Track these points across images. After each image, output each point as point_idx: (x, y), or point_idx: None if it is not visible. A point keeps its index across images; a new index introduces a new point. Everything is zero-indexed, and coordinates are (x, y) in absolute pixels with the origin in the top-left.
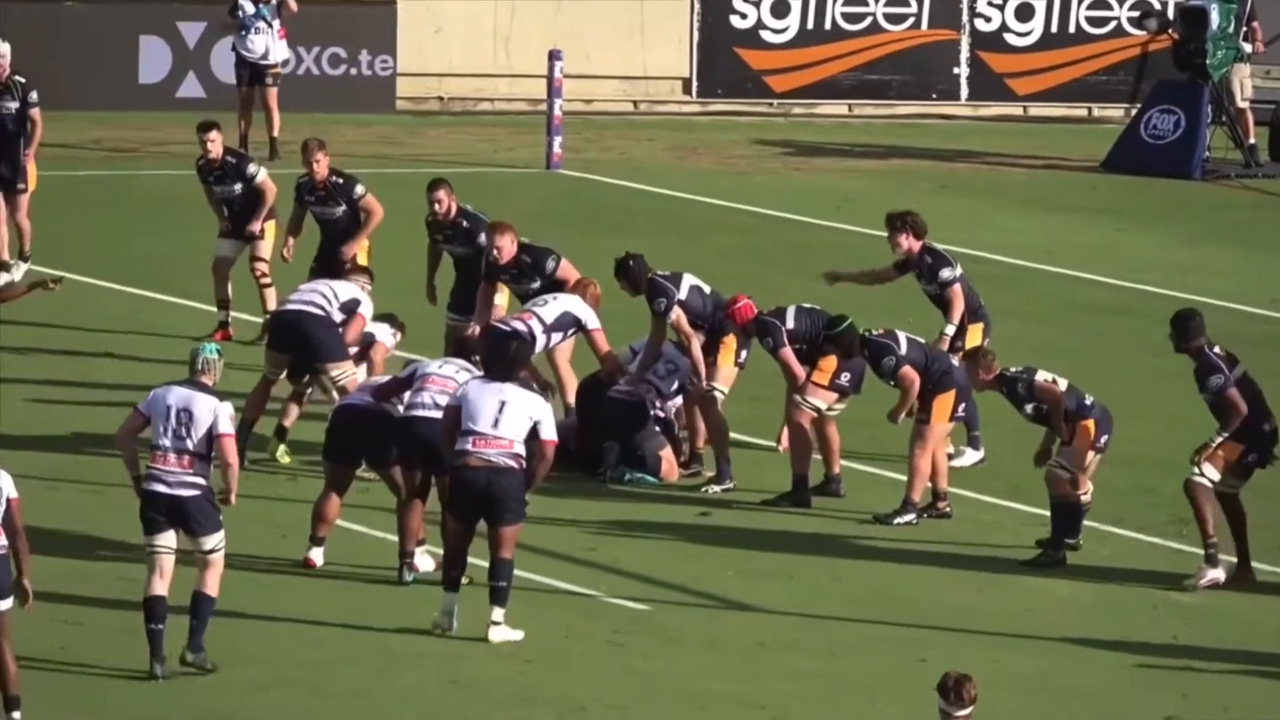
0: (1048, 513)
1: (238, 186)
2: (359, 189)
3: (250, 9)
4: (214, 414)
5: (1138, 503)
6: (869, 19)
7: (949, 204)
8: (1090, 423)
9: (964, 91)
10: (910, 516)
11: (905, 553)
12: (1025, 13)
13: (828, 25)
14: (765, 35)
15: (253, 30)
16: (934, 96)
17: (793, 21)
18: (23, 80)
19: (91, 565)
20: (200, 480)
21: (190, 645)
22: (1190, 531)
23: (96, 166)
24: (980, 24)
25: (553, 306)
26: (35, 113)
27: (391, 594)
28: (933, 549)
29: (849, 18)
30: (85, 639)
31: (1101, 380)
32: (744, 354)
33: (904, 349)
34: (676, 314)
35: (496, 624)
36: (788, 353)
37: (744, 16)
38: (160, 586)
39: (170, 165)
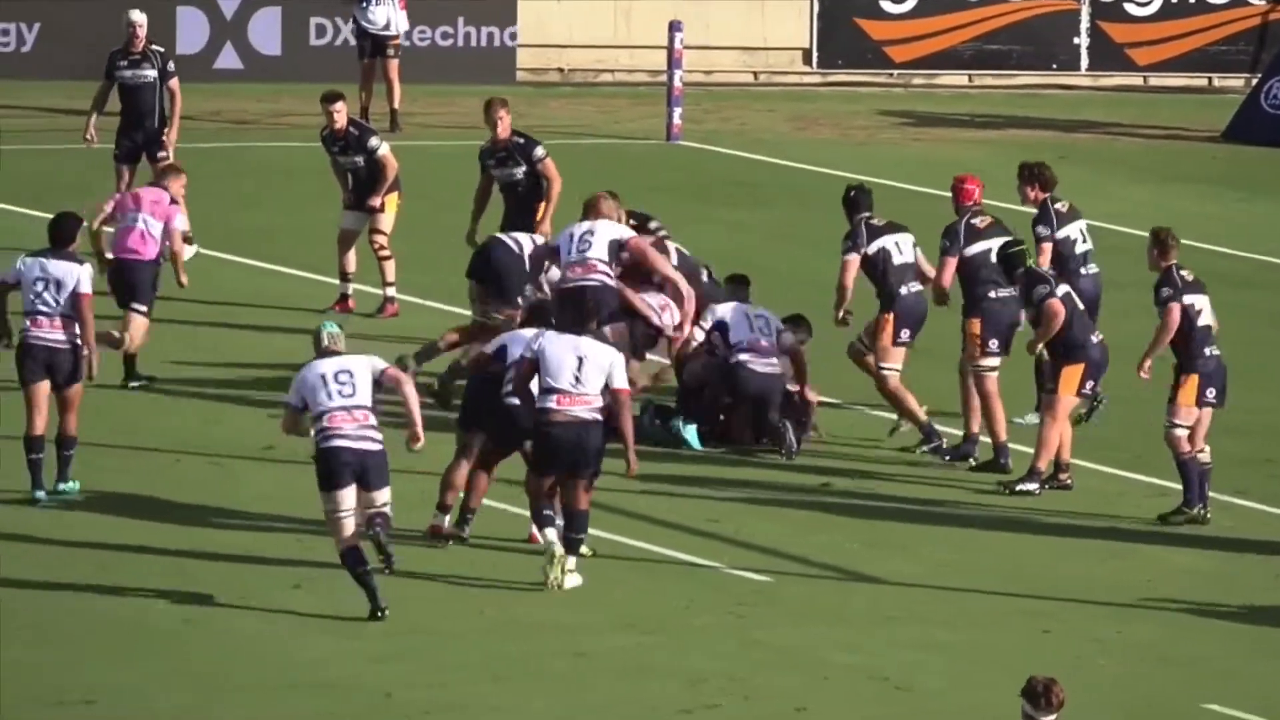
0: (1169, 483)
1: (360, 158)
2: (539, 150)
3: None
4: (370, 366)
5: (1260, 473)
6: None
7: (1068, 174)
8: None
9: (1084, 61)
10: (1034, 486)
11: (1027, 524)
12: None
13: None
14: (885, 5)
15: (373, 2)
16: (1054, 67)
17: None
18: (160, 50)
19: (217, 533)
20: (378, 435)
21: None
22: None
23: (214, 139)
24: None
25: (597, 243)
26: (174, 83)
27: (516, 565)
28: (1054, 520)
29: None
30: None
31: (1226, 350)
32: (905, 332)
33: (1059, 290)
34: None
35: (571, 571)
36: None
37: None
38: (354, 539)
39: (287, 137)
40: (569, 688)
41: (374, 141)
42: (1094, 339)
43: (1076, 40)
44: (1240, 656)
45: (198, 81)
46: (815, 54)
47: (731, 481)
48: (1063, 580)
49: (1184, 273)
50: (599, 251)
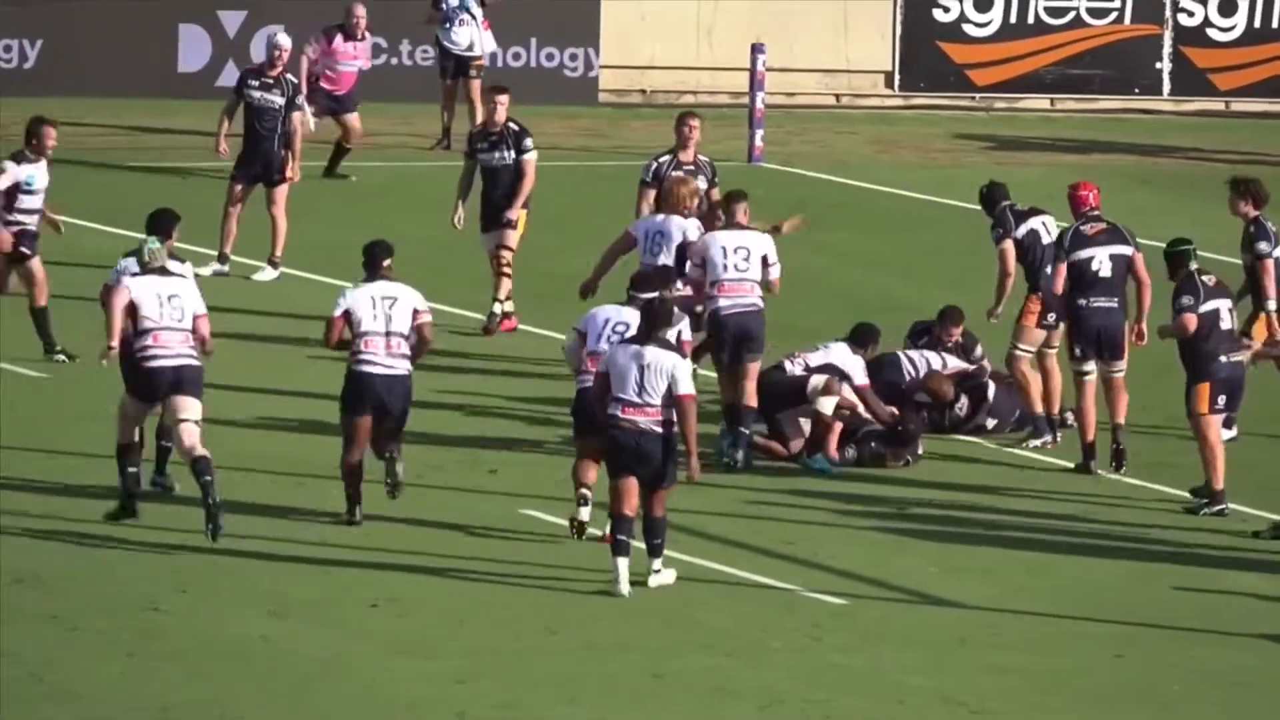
0: (1248, 509)
1: (509, 156)
2: (529, 141)
3: (454, 1)
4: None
5: None
6: (1072, 13)
7: (1151, 199)
8: None
9: (1166, 86)
10: (1220, 506)
11: (1103, 548)
12: (1228, 7)
13: (1030, 19)
14: (968, 29)
15: (456, 22)
16: (1136, 91)
17: (995, 15)
18: (293, 80)
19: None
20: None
21: None
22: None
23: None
24: (1183, 18)
25: (668, 246)
26: (298, 116)
27: (594, 586)
28: (1129, 545)
29: (1052, 12)
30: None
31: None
32: (1051, 315)
33: (1203, 305)
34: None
35: (656, 571)
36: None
37: (947, 10)
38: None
39: (378, 157)
40: (645, 708)
41: (529, 143)
42: (1224, 359)
43: (1159, 65)
44: None
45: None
46: (897, 77)
47: (808, 503)
48: (1138, 604)
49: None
50: (671, 252)
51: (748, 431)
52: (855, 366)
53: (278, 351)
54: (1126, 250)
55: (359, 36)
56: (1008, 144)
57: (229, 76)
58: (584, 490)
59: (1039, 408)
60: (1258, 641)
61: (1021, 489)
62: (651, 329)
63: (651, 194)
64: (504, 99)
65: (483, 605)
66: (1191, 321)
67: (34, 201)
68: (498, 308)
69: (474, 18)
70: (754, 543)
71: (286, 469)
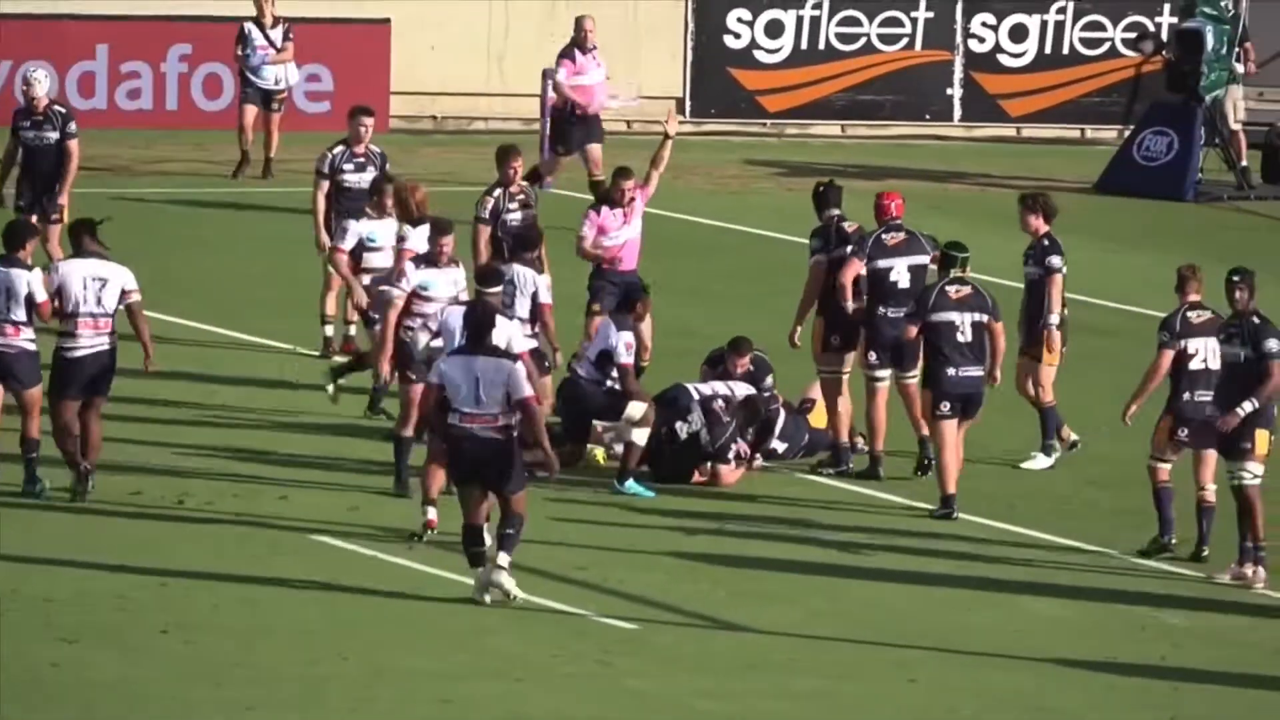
0: (1038, 533)
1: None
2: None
3: (259, 38)
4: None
5: (1127, 523)
6: (863, 39)
7: (942, 225)
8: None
9: (957, 112)
10: (945, 511)
11: (898, 573)
12: (1019, 34)
13: (821, 45)
14: (759, 55)
15: (263, 57)
16: (927, 117)
17: (786, 42)
18: (62, 110)
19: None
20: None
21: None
22: (1180, 552)
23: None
24: (974, 45)
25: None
26: (73, 144)
27: (385, 611)
28: (924, 569)
29: (843, 38)
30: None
31: (1090, 402)
32: (835, 337)
33: (934, 315)
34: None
35: (501, 568)
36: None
37: (738, 36)
38: None
39: (168, 184)
40: None
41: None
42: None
43: (950, 91)
44: (1105, 708)
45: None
46: (689, 103)
47: (603, 529)
48: (931, 628)
49: (1192, 314)
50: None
51: None
52: (620, 340)
53: None
54: (924, 259)
55: (591, 46)
56: (799, 170)
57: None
58: (432, 496)
59: (844, 435)
60: (1049, 666)
61: (817, 514)
62: (480, 336)
63: (487, 230)
64: (370, 121)
65: (274, 631)
66: (911, 331)
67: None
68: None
69: (278, 52)
70: (547, 567)
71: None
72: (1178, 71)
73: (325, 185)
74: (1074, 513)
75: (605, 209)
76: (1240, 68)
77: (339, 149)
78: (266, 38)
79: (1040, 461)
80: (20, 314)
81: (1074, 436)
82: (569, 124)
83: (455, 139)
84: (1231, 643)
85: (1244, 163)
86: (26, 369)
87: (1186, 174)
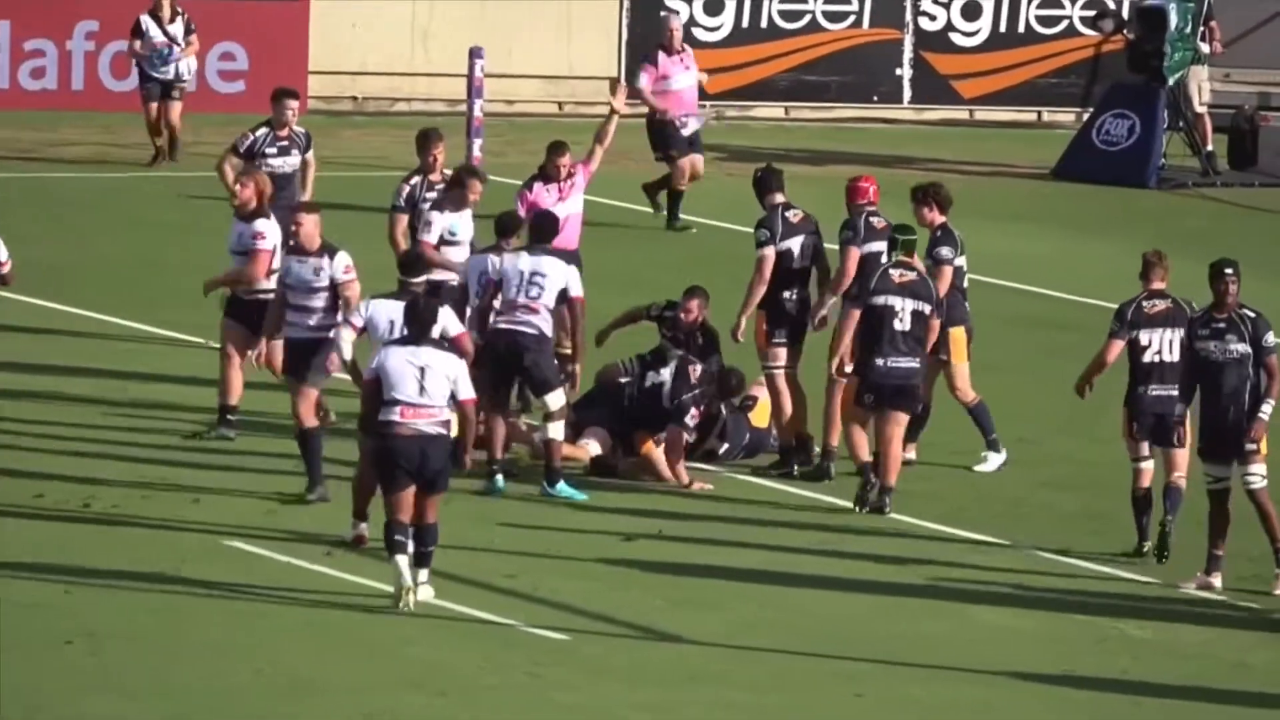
0: (991, 538)
1: (298, 159)
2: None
3: (158, 34)
4: None
5: (1084, 529)
6: (807, 17)
7: (890, 212)
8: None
9: (907, 94)
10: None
11: (842, 581)
12: (972, 11)
13: (763, 23)
14: (698, 34)
15: (166, 56)
16: (875, 99)
17: (727, 19)
18: None
19: None
20: None
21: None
22: (1145, 559)
23: None
24: (924, 23)
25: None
26: None
27: (302, 620)
28: (870, 577)
29: (786, 15)
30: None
31: (1049, 399)
32: (780, 332)
33: (876, 299)
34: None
35: (423, 583)
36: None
37: (676, 14)
38: None
39: (75, 169)
40: None
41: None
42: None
43: (899, 71)
44: None
45: None
46: (624, 84)
47: (532, 534)
48: (879, 640)
49: (1149, 304)
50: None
51: None
52: (573, 276)
53: None
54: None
55: (679, 48)
56: (740, 154)
57: None
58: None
59: (789, 435)
60: (1004, 679)
61: (756, 518)
62: (423, 330)
63: (404, 219)
64: (295, 104)
65: (185, 641)
66: (855, 315)
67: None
68: None
69: (180, 47)
70: (473, 575)
71: None
72: (1139, 51)
73: (234, 160)
74: (1029, 516)
75: (539, 184)
76: (1205, 47)
77: (262, 131)
78: (165, 33)
79: (992, 461)
80: None
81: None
82: (670, 129)
83: (377, 121)
84: (1194, 656)
85: (1209, 147)
86: None
87: (1149, 159)
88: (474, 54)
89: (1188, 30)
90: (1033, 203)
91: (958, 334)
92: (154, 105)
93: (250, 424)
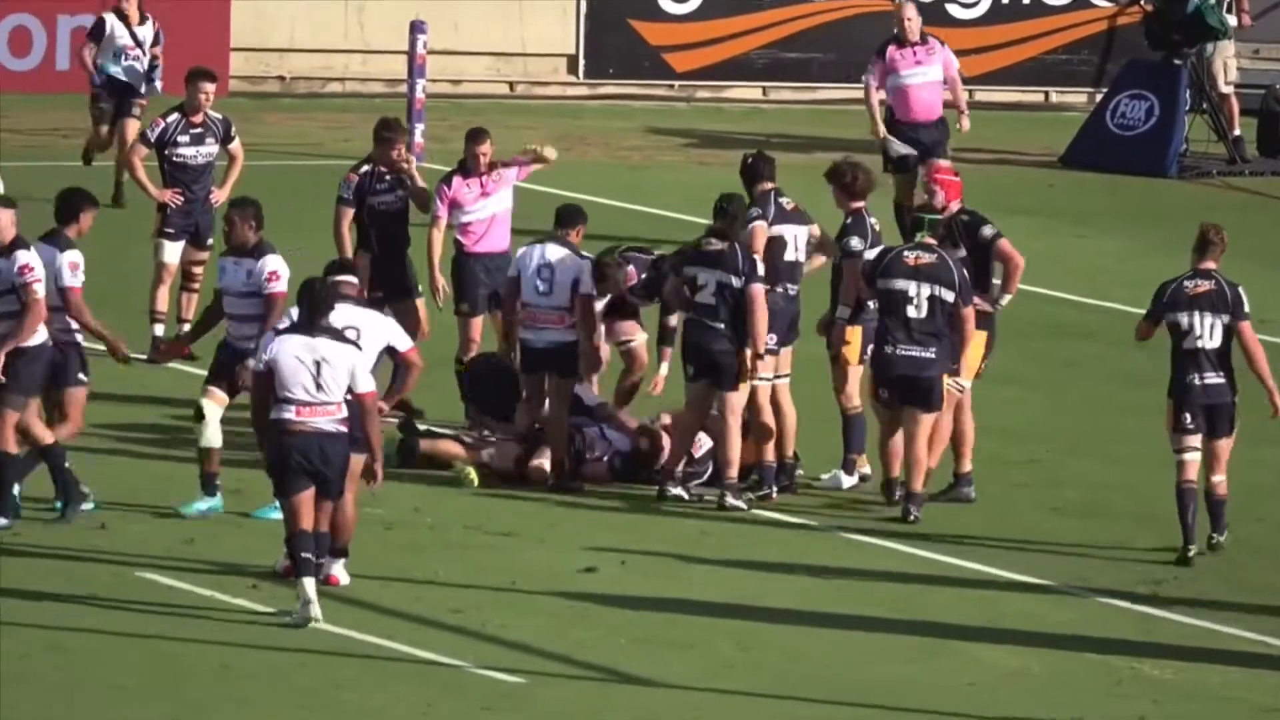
0: (992, 569)
1: (215, 148)
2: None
3: (123, 35)
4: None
5: (1103, 558)
6: None
7: (881, 204)
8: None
9: None
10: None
11: (825, 617)
12: None
13: None
14: (665, 5)
15: (125, 58)
16: (863, 79)
17: None
18: None
19: None
20: None
21: None
22: (1164, 591)
23: None
24: None
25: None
26: None
27: (224, 661)
28: (860, 612)
29: None
30: None
31: (1059, 414)
32: (771, 337)
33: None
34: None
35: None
36: None
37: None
38: None
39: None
40: None
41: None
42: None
43: None
44: None
45: None
46: (582, 61)
47: (481, 565)
48: (869, 684)
49: (1190, 283)
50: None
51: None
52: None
53: None
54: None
55: (913, 40)
56: (712, 140)
57: None
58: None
59: (770, 454)
60: None
61: (732, 546)
62: (314, 317)
63: (350, 213)
64: (211, 87)
65: (90, 684)
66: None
67: None
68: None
69: (144, 51)
70: (413, 611)
71: None
72: (1159, 24)
73: (143, 151)
74: (1036, 545)
75: (457, 179)
76: (1233, 20)
77: (174, 117)
78: (133, 36)
79: (843, 481)
80: None
81: (865, 469)
82: (907, 131)
83: (307, 103)
84: (1220, 698)
85: (1236, 131)
86: None
87: (1169, 145)
88: (415, 28)
89: (1212, 2)
90: (1040, 194)
91: (854, 333)
92: (104, 129)
93: (168, 441)
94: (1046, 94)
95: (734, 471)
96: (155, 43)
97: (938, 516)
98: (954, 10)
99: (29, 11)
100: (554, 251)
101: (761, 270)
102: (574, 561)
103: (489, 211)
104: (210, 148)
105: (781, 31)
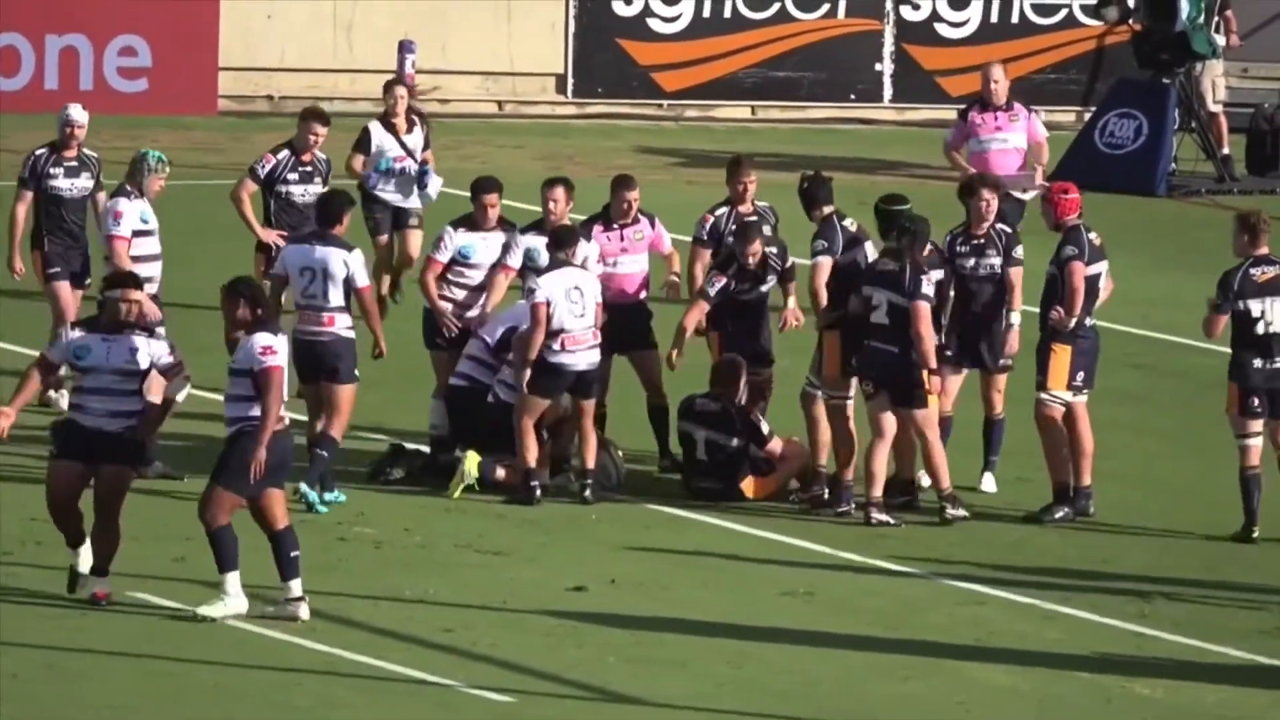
0: (982, 588)
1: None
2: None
3: (392, 145)
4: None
5: (1092, 574)
6: (776, 6)
7: (870, 224)
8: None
9: (887, 92)
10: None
11: (820, 635)
12: (959, 0)
13: (727, 13)
14: (654, 24)
15: (403, 170)
16: (852, 98)
17: (686, 8)
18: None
19: None
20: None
21: None
22: (1153, 613)
23: None
24: (907, 12)
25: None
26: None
27: (216, 682)
28: (852, 631)
29: (753, 4)
30: None
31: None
32: None
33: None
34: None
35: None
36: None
37: (628, 3)
38: None
39: None
40: None
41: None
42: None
43: (879, 67)
44: None
45: None
46: (570, 81)
47: (472, 583)
48: (862, 702)
49: (1256, 270)
50: None
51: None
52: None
53: None
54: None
55: (997, 103)
56: (701, 159)
57: None
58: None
59: (823, 459)
60: None
61: (723, 565)
62: (118, 324)
63: (253, 187)
64: (323, 130)
65: (82, 705)
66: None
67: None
68: None
69: (416, 164)
70: (404, 630)
71: None
72: (1148, 43)
73: (251, 188)
74: (1026, 562)
75: (598, 228)
76: (1221, 40)
77: (284, 154)
78: (402, 144)
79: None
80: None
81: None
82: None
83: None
84: (1211, 716)
85: (1225, 150)
86: None
87: (1158, 164)
88: (404, 47)
89: (1200, 20)
90: (1026, 214)
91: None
92: (384, 238)
93: (165, 457)
94: (1035, 113)
95: (945, 483)
96: (426, 146)
97: (927, 536)
98: (942, 30)
99: (17, 31)
100: (575, 275)
101: (928, 289)
102: (564, 580)
103: (626, 270)
104: (317, 187)
105: (770, 51)
